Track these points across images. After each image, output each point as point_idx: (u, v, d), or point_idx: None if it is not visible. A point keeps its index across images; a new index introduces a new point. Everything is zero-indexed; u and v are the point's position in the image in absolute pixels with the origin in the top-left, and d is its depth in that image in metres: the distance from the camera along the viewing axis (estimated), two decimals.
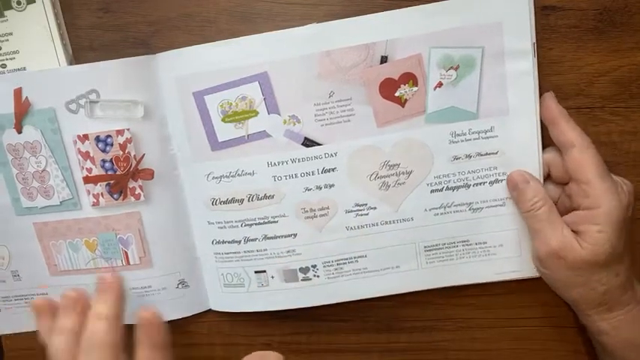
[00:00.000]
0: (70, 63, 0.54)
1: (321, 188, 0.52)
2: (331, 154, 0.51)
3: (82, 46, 0.54)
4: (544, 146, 0.50)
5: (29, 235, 0.56)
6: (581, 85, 0.52)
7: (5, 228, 0.56)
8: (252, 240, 0.54)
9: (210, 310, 0.58)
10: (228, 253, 0.55)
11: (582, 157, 0.47)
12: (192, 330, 0.60)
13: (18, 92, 0.52)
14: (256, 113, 0.51)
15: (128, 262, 0.56)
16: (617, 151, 0.52)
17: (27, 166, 0.54)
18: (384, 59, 0.49)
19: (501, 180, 0.51)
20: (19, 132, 0.53)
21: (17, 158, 0.54)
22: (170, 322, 0.57)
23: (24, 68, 0.53)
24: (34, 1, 0.53)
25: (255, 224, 0.53)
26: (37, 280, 0.57)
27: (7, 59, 0.54)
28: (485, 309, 0.57)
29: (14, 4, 0.53)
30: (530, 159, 0.50)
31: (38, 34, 0.53)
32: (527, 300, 0.56)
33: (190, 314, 0.57)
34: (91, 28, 0.54)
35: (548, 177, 0.51)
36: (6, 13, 0.53)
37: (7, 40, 0.54)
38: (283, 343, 0.59)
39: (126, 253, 0.55)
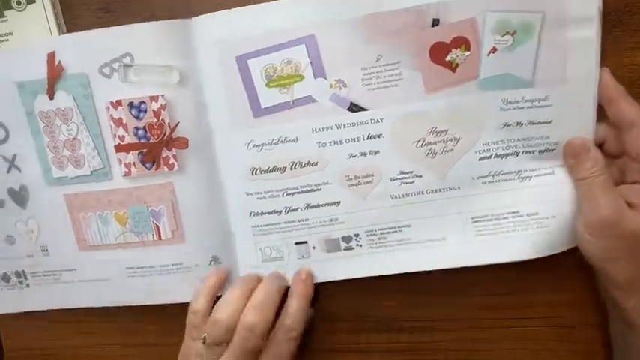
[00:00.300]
0: None
1: (365, 155, 0.51)
2: (377, 120, 0.50)
3: None
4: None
5: (59, 207, 0.54)
6: None
7: (35, 199, 0.55)
8: (293, 210, 0.53)
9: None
10: (267, 225, 0.53)
11: None
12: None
13: (51, 56, 0.50)
14: (302, 77, 0.49)
15: (160, 237, 0.54)
16: None
17: (58, 134, 0.52)
18: (435, 22, 0.48)
19: (552, 149, 0.50)
20: (52, 98, 0.51)
21: (49, 126, 0.52)
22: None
23: None
24: (34, 1, 0.52)
25: (298, 193, 0.52)
26: (65, 256, 0.56)
27: None
28: (485, 309, 0.56)
29: (14, 4, 0.52)
30: (584, 130, 0.49)
31: (38, 34, 0.53)
32: (527, 300, 0.55)
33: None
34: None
35: (600, 148, 0.49)
36: (6, 13, 0.52)
37: (7, 40, 0.53)
38: None
39: (157, 226, 0.54)
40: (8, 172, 0.55)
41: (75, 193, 0.54)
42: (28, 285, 0.58)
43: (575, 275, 0.55)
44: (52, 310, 0.59)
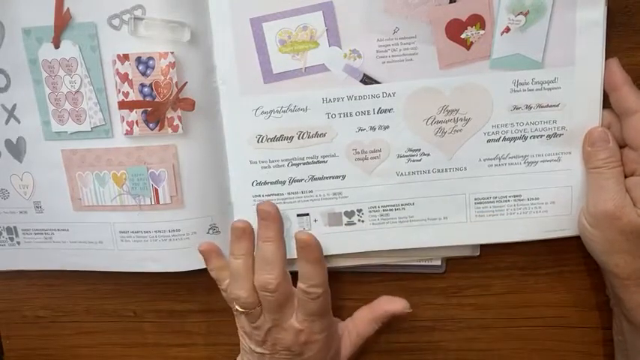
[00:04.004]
0: None
1: (375, 129, 0.50)
2: (389, 94, 0.50)
3: None
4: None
5: (56, 162, 0.52)
6: None
7: (32, 153, 0.53)
8: (297, 181, 0.52)
9: (214, 307, 0.57)
10: (269, 195, 0.52)
11: None
12: (193, 330, 0.59)
13: (59, 2, 0.48)
14: (316, 45, 0.49)
15: (158, 201, 0.52)
16: None
17: (60, 86, 0.50)
18: None
19: (559, 134, 0.50)
20: (57, 47, 0.50)
21: (51, 76, 0.50)
22: (175, 317, 0.56)
23: None
24: None
25: (303, 164, 0.51)
26: (58, 215, 0.54)
27: None
28: (486, 309, 0.56)
29: None
30: (592, 114, 0.49)
31: None
32: (527, 300, 0.56)
33: None
34: None
35: None
36: None
37: None
38: None
39: (156, 190, 0.52)
40: (7, 122, 0.53)
41: (73, 149, 0.52)
42: (18, 242, 0.56)
43: (576, 275, 0.55)
44: (45, 271, 0.58)
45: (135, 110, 0.50)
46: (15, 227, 0.56)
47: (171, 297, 0.59)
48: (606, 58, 0.48)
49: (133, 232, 0.53)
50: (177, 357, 0.60)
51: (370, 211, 0.52)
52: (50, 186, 0.53)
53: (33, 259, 0.56)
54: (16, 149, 0.53)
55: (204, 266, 0.53)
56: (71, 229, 0.54)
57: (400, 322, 0.57)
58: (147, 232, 0.53)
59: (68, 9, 0.49)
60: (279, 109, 0.50)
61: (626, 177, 0.48)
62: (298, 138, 0.51)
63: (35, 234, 0.55)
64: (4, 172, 0.54)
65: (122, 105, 0.50)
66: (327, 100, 0.50)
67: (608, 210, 0.47)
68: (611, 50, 0.49)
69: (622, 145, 0.49)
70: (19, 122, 0.53)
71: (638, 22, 0.50)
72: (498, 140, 0.51)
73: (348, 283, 0.57)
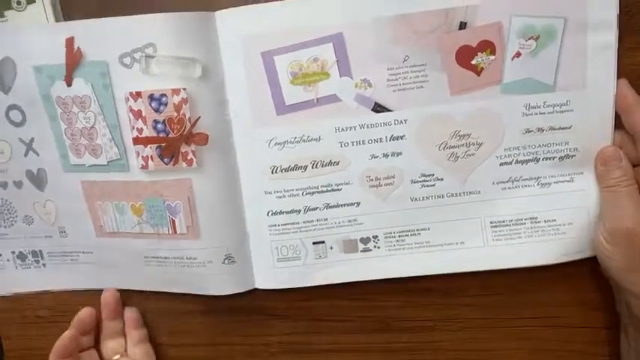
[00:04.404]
0: None
1: (387, 156, 0.51)
2: (401, 121, 0.50)
3: None
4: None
5: (76, 193, 0.54)
6: None
7: (53, 183, 0.54)
8: (312, 209, 0.52)
9: (215, 307, 0.58)
10: (285, 225, 0.53)
11: None
12: (193, 330, 0.59)
13: (70, 41, 0.49)
14: (328, 76, 0.49)
15: (175, 231, 0.53)
16: None
17: (75, 122, 0.52)
18: (462, 25, 0.48)
19: (572, 156, 0.50)
20: (69, 85, 0.51)
21: (66, 112, 0.51)
22: (175, 317, 0.58)
23: None
24: (34, 1, 0.52)
25: (318, 192, 0.52)
26: (83, 239, 0.56)
27: None
28: (486, 309, 0.56)
29: (14, 4, 0.51)
30: (604, 135, 0.49)
31: None
32: (527, 300, 0.56)
33: (234, 292, 0.55)
34: None
35: None
36: (6, 13, 0.52)
37: None
38: (283, 343, 0.58)
39: (173, 221, 0.53)
40: (26, 155, 0.54)
41: (92, 181, 0.53)
42: (44, 265, 0.58)
43: (576, 275, 0.55)
44: (66, 291, 0.59)
45: (149, 146, 0.50)
46: (40, 251, 0.58)
47: (171, 296, 0.59)
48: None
49: (153, 257, 0.55)
50: (178, 357, 0.60)
51: (386, 237, 0.53)
52: (72, 214, 0.55)
53: (59, 279, 0.58)
54: (38, 179, 0.55)
55: (225, 293, 0.54)
56: (95, 252, 0.56)
57: (400, 322, 0.57)
58: (166, 257, 0.54)
59: (79, 48, 0.50)
60: (292, 140, 0.51)
61: None
62: (312, 167, 0.51)
63: (61, 256, 0.57)
64: (27, 200, 0.56)
65: (136, 141, 0.51)
66: (340, 130, 0.50)
67: (627, 228, 0.47)
68: None
69: (636, 164, 0.49)
70: (37, 155, 0.54)
71: (638, 22, 0.50)
72: (511, 163, 0.51)
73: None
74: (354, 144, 0.50)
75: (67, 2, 0.52)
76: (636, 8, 0.49)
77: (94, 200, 0.54)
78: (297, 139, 0.51)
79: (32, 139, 0.53)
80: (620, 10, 0.47)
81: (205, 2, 0.50)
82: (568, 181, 0.51)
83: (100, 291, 0.58)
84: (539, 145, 0.50)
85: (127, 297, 0.58)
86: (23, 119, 0.53)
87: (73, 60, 0.50)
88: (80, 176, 0.53)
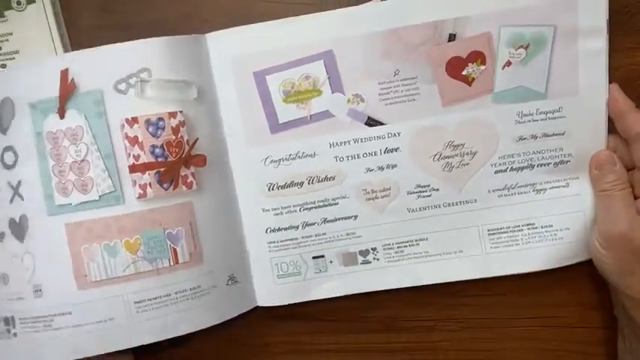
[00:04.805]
0: None
1: (383, 169, 0.51)
2: (394, 134, 0.50)
3: (82, 46, 0.51)
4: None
5: (59, 239, 0.50)
6: None
7: (34, 231, 0.50)
8: (310, 224, 0.53)
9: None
10: (284, 241, 0.53)
11: None
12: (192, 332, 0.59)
13: (64, 73, 0.49)
14: (320, 92, 0.50)
15: (177, 261, 0.50)
16: None
17: (65, 157, 0.49)
18: (452, 37, 0.48)
19: (566, 161, 0.50)
20: (62, 117, 0.49)
21: (55, 147, 0.49)
22: None
23: None
24: (34, 1, 0.52)
25: (315, 207, 0.52)
26: (60, 297, 0.50)
27: (7, 59, 0.53)
28: (486, 309, 0.56)
29: (14, 4, 0.52)
30: (597, 140, 0.50)
31: (38, 34, 0.52)
32: (527, 300, 0.56)
33: (237, 314, 0.53)
34: (91, 28, 0.52)
35: None
36: (6, 13, 0.52)
37: (7, 40, 0.52)
38: (283, 343, 0.58)
39: (174, 250, 0.50)
40: (11, 201, 0.51)
41: (77, 222, 0.49)
42: (15, 334, 0.51)
43: (575, 276, 0.55)
44: None
45: (147, 172, 0.49)
46: (12, 317, 0.51)
47: None
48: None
49: (149, 299, 0.50)
50: (178, 357, 0.59)
51: (385, 249, 0.53)
52: (52, 265, 0.50)
53: (28, 351, 0.51)
54: (19, 228, 0.51)
55: (233, 315, 0.53)
56: (75, 311, 0.50)
57: (400, 322, 0.58)
58: (167, 295, 0.51)
59: (73, 79, 0.49)
60: (287, 157, 0.51)
61: (636, 199, 0.48)
62: (308, 183, 0.52)
63: (33, 322, 0.51)
64: (5, 256, 0.51)
65: (133, 168, 0.49)
66: (334, 145, 0.51)
67: (621, 232, 0.47)
68: (611, 50, 0.49)
69: (630, 168, 0.49)
70: (22, 199, 0.50)
71: (638, 22, 0.50)
72: (506, 171, 0.51)
73: None
74: (349, 158, 0.51)
75: (67, 2, 0.53)
76: (636, 8, 0.49)
77: (79, 245, 0.49)
78: (292, 156, 0.51)
79: (19, 182, 0.50)
80: (620, 11, 0.48)
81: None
82: (564, 186, 0.51)
83: None
84: (534, 152, 0.51)
85: None
86: (15, 161, 0.50)
87: (67, 91, 0.49)
88: (65, 218, 0.49)
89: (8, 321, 0.51)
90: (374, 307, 0.57)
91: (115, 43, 0.49)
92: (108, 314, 0.50)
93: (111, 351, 0.50)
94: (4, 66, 0.52)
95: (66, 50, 0.52)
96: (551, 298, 0.55)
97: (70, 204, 0.49)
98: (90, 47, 0.50)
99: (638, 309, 0.49)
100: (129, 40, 0.49)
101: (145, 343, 0.51)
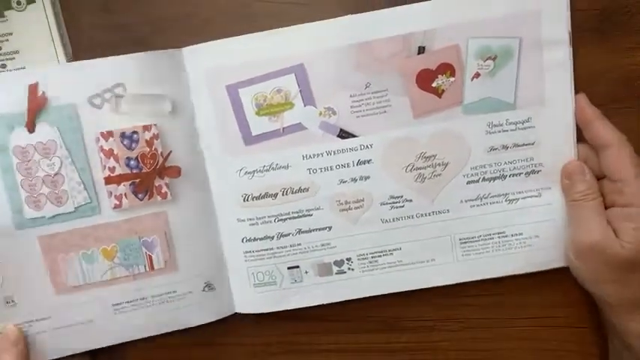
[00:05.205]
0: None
1: (356, 180, 0.52)
2: (367, 146, 0.51)
3: (82, 46, 0.52)
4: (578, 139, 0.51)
5: (31, 252, 0.50)
6: (581, 85, 0.51)
7: (1, 247, 0.50)
8: (285, 235, 0.53)
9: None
10: (259, 251, 0.54)
11: (619, 155, 0.47)
12: (192, 330, 0.58)
13: (33, 88, 0.49)
14: (292, 105, 0.50)
15: (152, 268, 0.53)
16: None
17: (36, 171, 0.50)
18: (421, 50, 0.49)
19: (537, 171, 0.51)
20: (31, 131, 0.49)
21: (24, 162, 0.50)
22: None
23: (24, 68, 0.51)
24: (34, 1, 0.52)
25: (289, 218, 0.53)
26: (37, 304, 0.51)
27: (7, 59, 0.52)
28: (486, 309, 0.57)
29: (14, 4, 0.52)
30: (566, 149, 0.50)
31: (38, 34, 0.52)
32: (527, 300, 0.56)
33: (216, 319, 0.55)
34: (91, 28, 0.53)
35: None
36: (6, 13, 0.52)
37: (7, 40, 0.52)
38: (283, 343, 0.59)
39: (150, 257, 0.52)
40: None
41: (52, 234, 0.50)
42: None
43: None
44: None
45: (123, 183, 0.50)
46: None
47: None
48: (603, 64, 0.50)
49: (127, 302, 0.53)
50: (178, 357, 0.60)
51: (359, 259, 0.54)
52: (24, 277, 0.51)
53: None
54: None
55: (209, 320, 0.55)
56: (54, 315, 0.52)
57: (400, 322, 0.58)
58: (143, 298, 0.53)
59: (43, 92, 0.49)
60: (261, 169, 0.52)
61: (607, 208, 0.49)
62: (282, 194, 0.52)
63: None
64: None
65: (109, 180, 0.50)
66: (307, 157, 0.51)
67: (591, 243, 0.48)
68: (611, 50, 0.50)
69: (600, 177, 0.50)
70: None
71: (638, 22, 0.50)
72: (478, 181, 0.52)
73: None
74: (322, 170, 0.51)
75: (67, 2, 0.53)
76: (636, 8, 0.50)
77: (55, 255, 0.51)
78: (266, 168, 0.52)
79: None
80: (620, 11, 0.48)
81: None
82: (536, 196, 0.52)
83: None
84: (505, 162, 0.51)
85: None
86: None
87: (37, 105, 0.49)
88: (37, 232, 0.50)
89: None
90: (374, 307, 0.57)
91: (114, 43, 0.51)
92: (87, 316, 0.52)
93: (90, 349, 0.53)
94: (4, 66, 0.52)
95: (66, 50, 0.52)
96: (550, 298, 0.55)
97: (44, 217, 0.50)
98: (90, 47, 0.52)
99: (616, 315, 0.49)
100: (129, 39, 0.51)
101: (124, 341, 0.54)
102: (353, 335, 0.58)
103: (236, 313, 0.56)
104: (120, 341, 0.54)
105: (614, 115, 0.50)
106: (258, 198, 0.52)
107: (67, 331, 0.52)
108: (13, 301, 0.51)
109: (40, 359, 0.52)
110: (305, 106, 0.50)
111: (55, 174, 0.50)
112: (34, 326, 0.52)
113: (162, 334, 0.56)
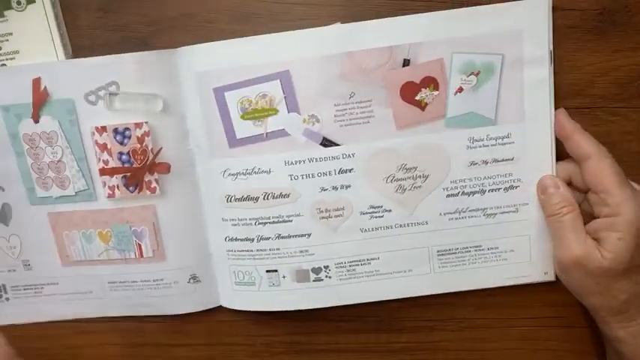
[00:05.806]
0: None
1: (337, 189, 0.52)
2: (349, 155, 0.51)
3: (82, 46, 0.53)
4: (560, 155, 0.51)
5: (43, 224, 0.56)
6: (581, 85, 0.52)
7: (19, 217, 0.56)
8: (265, 239, 0.54)
9: (214, 308, 0.58)
10: (240, 251, 0.54)
11: (599, 166, 0.47)
12: (192, 330, 0.60)
13: (37, 82, 0.52)
14: (276, 111, 0.51)
15: (142, 255, 0.56)
16: (617, 151, 0.51)
17: (42, 156, 0.54)
18: (406, 62, 0.50)
19: (516, 186, 0.52)
20: (36, 121, 0.53)
21: (33, 148, 0.54)
22: (175, 317, 0.58)
23: None
24: (34, 1, 0.52)
25: (270, 223, 0.53)
26: (48, 270, 0.58)
27: (7, 59, 0.54)
28: (486, 309, 0.57)
29: (14, 4, 0.52)
30: (545, 166, 0.51)
31: (38, 34, 0.53)
32: (527, 300, 0.56)
33: (201, 309, 0.58)
34: (91, 28, 0.53)
35: (569, 185, 0.51)
36: (6, 13, 0.53)
37: (7, 40, 0.53)
38: (283, 343, 0.59)
39: (139, 245, 0.56)
40: None
41: (59, 212, 0.55)
42: (7, 299, 0.59)
43: None
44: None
45: (115, 176, 0.53)
46: (4, 285, 0.59)
47: None
48: (603, 64, 0.51)
49: (120, 282, 0.57)
50: (178, 357, 0.61)
51: (337, 267, 0.54)
52: (38, 245, 0.56)
53: (21, 313, 0.59)
54: (2, 215, 0.56)
55: (195, 310, 0.57)
56: (61, 282, 0.58)
57: (400, 322, 0.58)
58: (134, 281, 0.57)
59: (45, 87, 0.52)
60: (244, 172, 0.52)
61: (592, 219, 0.49)
62: (264, 199, 0.53)
63: (25, 289, 0.59)
64: None
65: (103, 172, 0.53)
66: (289, 163, 0.52)
67: (572, 258, 0.48)
68: (611, 50, 0.51)
69: (585, 190, 0.50)
70: (3, 190, 0.55)
71: (638, 22, 0.50)
72: (457, 195, 0.52)
73: None
74: (304, 177, 0.52)
75: (67, 2, 0.54)
76: (636, 8, 0.50)
77: (60, 230, 0.56)
78: (248, 171, 0.52)
79: None
80: (620, 11, 0.49)
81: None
82: (513, 211, 0.52)
83: (63, 322, 0.60)
84: (485, 177, 0.52)
85: None
86: None
87: (40, 99, 0.52)
88: (47, 208, 0.55)
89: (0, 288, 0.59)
90: (374, 307, 0.57)
91: (114, 43, 0.53)
92: (88, 287, 0.58)
93: (88, 317, 0.59)
94: (4, 66, 0.53)
95: (66, 50, 0.53)
96: (550, 298, 0.56)
97: (51, 197, 0.55)
98: (90, 47, 0.53)
99: (605, 323, 0.50)
100: (128, 40, 0.53)
101: (114, 315, 0.59)
102: (353, 335, 0.58)
103: (237, 312, 0.57)
104: (111, 315, 0.59)
105: (614, 115, 0.51)
106: (240, 200, 0.53)
107: (72, 297, 0.58)
108: (29, 264, 0.58)
109: (48, 318, 0.60)
110: (289, 112, 0.51)
111: (58, 161, 0.54)
112: (46, 289, 0.58)
113: (162, 334, 0.59)
